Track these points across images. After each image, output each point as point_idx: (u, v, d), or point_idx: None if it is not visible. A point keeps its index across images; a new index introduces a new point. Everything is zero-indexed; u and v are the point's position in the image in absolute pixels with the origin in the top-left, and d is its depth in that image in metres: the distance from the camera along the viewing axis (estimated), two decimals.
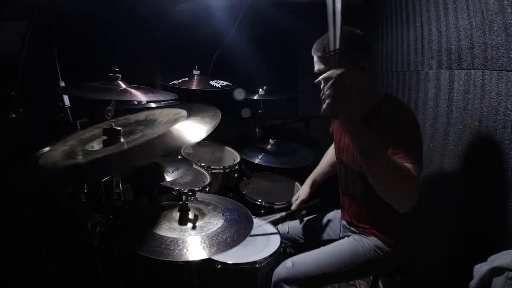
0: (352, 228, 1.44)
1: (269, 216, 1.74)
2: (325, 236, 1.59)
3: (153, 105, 2.11)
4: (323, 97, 0.97)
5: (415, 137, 1.17)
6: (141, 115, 1.20)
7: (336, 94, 0.94)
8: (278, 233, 1.64)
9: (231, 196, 2.14)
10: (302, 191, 1.73)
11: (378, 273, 1.45)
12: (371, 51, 1.30)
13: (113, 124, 1.02)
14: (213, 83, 2.25)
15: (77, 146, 1.05)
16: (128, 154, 0.89)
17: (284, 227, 1.67)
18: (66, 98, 1.85)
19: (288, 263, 1.33)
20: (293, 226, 1.66)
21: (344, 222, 1.50)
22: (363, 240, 1.36)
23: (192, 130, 0.95)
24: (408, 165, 1.06)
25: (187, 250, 1.07)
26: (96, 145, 1.03)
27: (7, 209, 1.67)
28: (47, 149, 1.06)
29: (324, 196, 1.72)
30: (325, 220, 1.63)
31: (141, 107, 2.07)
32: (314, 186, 1.74)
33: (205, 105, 1.18)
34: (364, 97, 1.30)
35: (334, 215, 1.61)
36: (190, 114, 1.06)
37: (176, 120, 1.03)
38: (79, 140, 1.09)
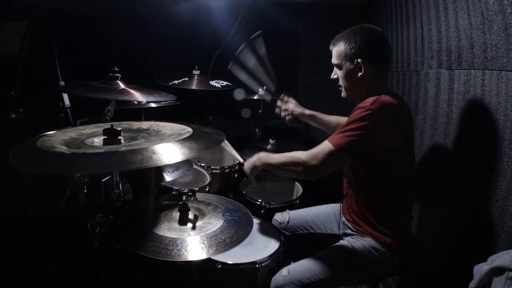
0: (350, 225, 1.44)
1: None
2: (325, 229, 1.60)
3: (153, 105, 2.11)
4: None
5: (351, 127, 1.19)
6: (145, 124, 1.23)
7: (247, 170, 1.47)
8: (279, 232, 1.64)
9: (231, 196, 2.13)
10: (298, 109, 1.80)
11: (376, 274, 1.45)
12: (374, 50, 1.28)
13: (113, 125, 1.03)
14: (213, 83, 2.25)
15: (77, 138, 1.06)
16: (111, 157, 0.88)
17: (284, 216, 1.67)
18: (66, 98, 1.85)
19: (284, 271, 1.32)
20: (293, 217, 1.66)
21: (343, 219, 1.51)
22: (358, 242, 1.36)
23: (174, 152, 0.93)
24: (326, 144, 1.25)
25: (187, 250, 1.07)
26: (97, 141, 1.05)
27: (8, 209, 1.67)
28: (51, 132, 1.08)
29: (326, 189, 1.72)
30: (326, 213, 1.63)
31: (140, 107, 2.07)
32: (308, 115, 1.79)
33: (215, 130, 1.21)
34: (364, 94, 1.32)
35: (335, 209, 1.61)
36: (193, 135, 1.07)
37: (179, 135, 1.04)
38: (80, 134, 1.11)
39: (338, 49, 1.33)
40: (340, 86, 1.40)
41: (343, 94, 1.41)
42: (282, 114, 1.84)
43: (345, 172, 1.48)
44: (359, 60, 1.28)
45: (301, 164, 1.28)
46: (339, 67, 1.35)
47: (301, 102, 1.84)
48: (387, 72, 1.37)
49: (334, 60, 1.36)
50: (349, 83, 1.35)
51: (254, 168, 1.45)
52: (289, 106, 1.81)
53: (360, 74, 1.29)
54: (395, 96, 1.26)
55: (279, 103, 1.85)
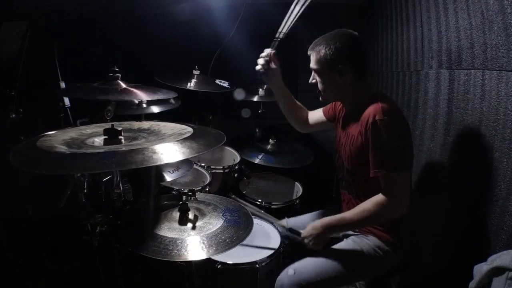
0: None
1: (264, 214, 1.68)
2: None
3: (155, 110, 2.09)
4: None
5: (390, 146, 1.19)
6: (145, 124, 1.23)
7: (314, 245, 1.36)
8: (279, 232, 1.64)
9: (231, 196, 2.14)
10: (276, 68, 1.58)
11: (379, 272, 1.45)
12: (353, 55, 1.30)
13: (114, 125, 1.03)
14: (218, 81, 2.25)
15: (77, 138, 1.06)
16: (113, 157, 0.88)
17: (283, 224, 1.67)
18: (66, 98, 1.85)
19: (290, 270, 1.32)
20: (292, 224, 1.66)
21: None
22: (362, 241, 1.37)
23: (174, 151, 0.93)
24: (388, 176, 1.19)
25: (187, 250, 1.07)
26: (97, 141, 1.05)
27: (8, 209, 1.67)
28: (51, 132, 1.09)
29: (324, 193, 1.72)
30: (325, 216, 1.63)
31: (140, 113, 2.07)
32: (281, 84, 1.63)
33: (216, 131, 1.21)
34: (348, 98, 1.39)
35: (335, 213, 1.61)
36: (193, 135, 1.07)
37: (180, 135, 1.04)
38: (80, 134, 1.11)
39: (317, 54, 1.33)
40: (319, 90, 1.39)
41: (322, 98, 1.42)
42: (260, 62, 1.57)
43: (343, 181, 1.48)
44: (339, 65, 1.29)
45: (382, 209, 1.22)
46: (319, 72, 1.36)
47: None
48: (365, 75, 1.36)
49: (313, 65, 1.36)
50: (329, 87, 1.36)
51: (321, 240, 1.36)
52: (272, 63, 1.57)
53: (339, 79, 1.31)
54: (387, 100, 1.28)
55: (264, 53, 1.59)
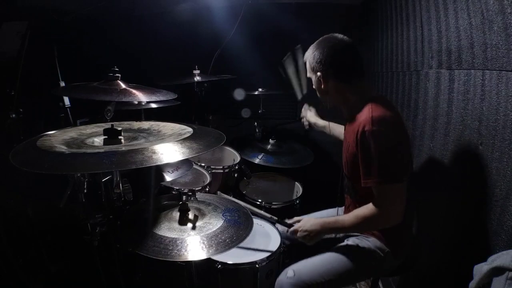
0: None
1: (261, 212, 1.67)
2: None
3: (153, 105, 2.11)
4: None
5: (380, 158, 1.17)
6: (145, 124, 1.24)
7: (305, 241, 1.38)
8: (279, 232, 1.64)
9: (231, 196, 2.14)
10: (312, 118, 1.89)
11: (380, 273, 1.45)
12: (333, 65, 1.29)
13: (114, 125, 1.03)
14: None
15: (77, 138, 1.06)
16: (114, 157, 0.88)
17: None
18: (66, 98, 1.85)
19: (289, 272, 1.31)
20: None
21: None
22: (363, 242, 1.36)
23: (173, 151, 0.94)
24: (381, 187, 1.18)
25: (187, 250, 1.07)
26: (97, 141, 1.05)
27: (8, 209, 1.67)
28: (51, 132, 1.09)
29: (325, 189, 1.72)
30: (326, 216, 1.62)
31: (140, 108, 2.07)
32: (320, 126, 1.87)
33: (216, 131, 1.20)
34: (340, 103, 1.38)
35: (337, 213, 1.61)
36: (193, 135, 1.07)
37: (179, 135, 1.04)
38: (80, 133, 1.12)
39: (307, 62, 1.38)
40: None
41: (324, 103, 1.43)
42: (302, 121, 1.96)
43: (346, 188, 1.48)
44: (318, 74, 1.32)
45: (375, 218, 1.22)
46: (311, 78, 1.39)
47: (318, 113, 1.93)
48: (351, 79, 1.32)
49: (307, 72, 1.40)
50: (320, 93, 1.39)
51: (313, 238, 1.37)
52: (307, 114, 1.92)
53: (323, 86, 1.33)
54: (382, 106, 1.24)
55: (302, 111, 1.96)
